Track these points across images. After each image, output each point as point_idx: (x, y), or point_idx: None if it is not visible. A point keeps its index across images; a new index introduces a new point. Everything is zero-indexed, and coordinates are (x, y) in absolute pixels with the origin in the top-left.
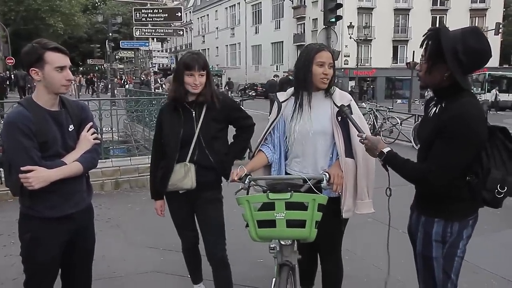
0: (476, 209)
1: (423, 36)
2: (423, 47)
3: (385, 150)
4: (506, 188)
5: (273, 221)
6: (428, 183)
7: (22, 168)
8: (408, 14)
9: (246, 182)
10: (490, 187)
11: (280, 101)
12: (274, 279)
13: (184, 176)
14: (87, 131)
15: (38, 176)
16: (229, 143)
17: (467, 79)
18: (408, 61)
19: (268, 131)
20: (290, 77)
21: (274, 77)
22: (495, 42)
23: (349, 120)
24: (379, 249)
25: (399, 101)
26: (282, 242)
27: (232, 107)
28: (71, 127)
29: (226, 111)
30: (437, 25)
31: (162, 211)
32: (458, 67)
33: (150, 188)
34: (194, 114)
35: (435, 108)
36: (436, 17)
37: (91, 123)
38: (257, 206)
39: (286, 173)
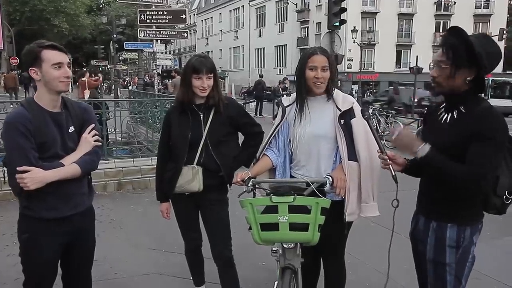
0: (483, 214)
1: (444, 41)
2: (445, 53)
3: (427, 148)
4: None
5: (276, 224)
6: (477, 184)
7: (18, 168)
8: (412, 19)
9: (249, 185)
10: (500, 193)
11: (285, 105)
12: (276, 282)
13: (192, 178)
14: (88, 133)
15: (33, 177)
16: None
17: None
18: (412, 66)
19: (273, 135)
20: (286, 85)
21: (284, 80)
22: None
23: (370, 129)
24: (381, 254)
25: None
26: (285, 245)
27: (239, 112)
28: (71, 129)
29: (233, 116)
30: (444, 30)
31: (168, 214)
32: (484, 71)
33: (155, 190)
34: (202, 117)
35: (447, 114)
36: (440, 22)
37: (92, 125)
38: (260, 209)
39: (291, 177)
